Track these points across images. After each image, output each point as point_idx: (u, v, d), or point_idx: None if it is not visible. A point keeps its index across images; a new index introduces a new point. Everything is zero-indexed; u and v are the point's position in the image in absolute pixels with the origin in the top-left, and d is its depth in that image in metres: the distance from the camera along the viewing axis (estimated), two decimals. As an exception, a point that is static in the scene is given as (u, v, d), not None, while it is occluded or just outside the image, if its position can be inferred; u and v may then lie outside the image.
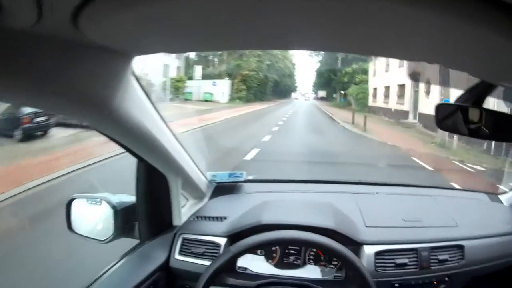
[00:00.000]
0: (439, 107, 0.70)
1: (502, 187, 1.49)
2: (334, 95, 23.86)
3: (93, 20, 0.34)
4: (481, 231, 1.10)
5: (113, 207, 0.97)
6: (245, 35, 0.40)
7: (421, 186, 1.54)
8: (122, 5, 0.30)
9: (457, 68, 0.47)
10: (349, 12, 0.28)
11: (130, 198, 0.98)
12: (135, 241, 1.00)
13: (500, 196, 1.44)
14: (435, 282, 0.96)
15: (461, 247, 1.02)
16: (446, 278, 0.97)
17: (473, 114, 0.65)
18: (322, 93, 34.37)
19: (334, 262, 0.94)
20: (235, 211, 1.02)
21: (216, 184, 1.24)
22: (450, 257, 0.99)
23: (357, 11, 0.28)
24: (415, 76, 10.81)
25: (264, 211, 0.97)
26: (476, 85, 0.63)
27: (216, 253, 0.91)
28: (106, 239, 0.99)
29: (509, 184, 1.44)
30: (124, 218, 0.97)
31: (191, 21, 0.34)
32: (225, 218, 1.00)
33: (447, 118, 0.70)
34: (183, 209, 1.12)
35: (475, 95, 0.63)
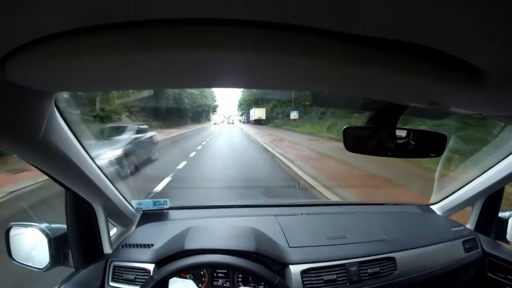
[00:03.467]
0: (346, 131, 0.73)
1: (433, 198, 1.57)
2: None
3: (19, 67, 0.36)
4: (413, 242, 1.15)
5: (47, 235, 0.98)
6: (167, 78, 0.43)
7: (346, 204, 1.59)
8: (48, 57, 0.32)
9: (370, 96, 0.52)
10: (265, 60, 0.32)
11: (62, 226, 0.99)
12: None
13: (432, 207, 1.53)
14: None
15: (392, 259, 1.06)
16: None
17: (400, 133, 0.71)
18: (259, 113, 30.16)
19: (263, 283, 0.94)
20: (161, 238, 1.04)
21: (142, 211, 1.27)
22: (381, 270, 1.02)
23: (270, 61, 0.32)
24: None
25: (188, 237, 0.99)
26: (386, 107, 0.67)
27: (146, 279, 0.91)
28: (44, 267, 0.99)
29: (440, 194, 1.53)
30: (58, 247, 0.98)
31: (108, 66, 0.35)
32: (152, 245, 1.01)
33: (355, 139, 0.73)
34: (113, 236, 1.14)
35: (387, 117, 0.67)
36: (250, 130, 22.18)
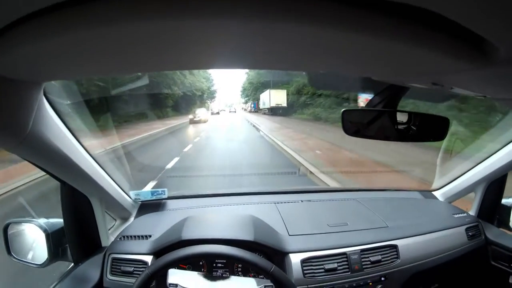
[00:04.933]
0: (345, 114, 0.70)
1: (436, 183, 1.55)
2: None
3: (2, 55, 0.34)
4: (415, 229, 1.13)
5: (45, 230, 0.98)
6: (163, 57, 0.39)
7: (347, 190, 1.56)
8: (33, 39, 0.30)
9: (370, 75, 0.50)
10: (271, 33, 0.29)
11: (60, 220, 0.98)
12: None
13: (434, 193, 1.51)
14: (370, 283, 0.97)
15: (394, 247, 1.04)
16: (383, 278, 0.98)
17: (401, 116, 0.67)
18: (278, 97, 21.92)
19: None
20: (159, 228, 1.03)
21: (140, 202, 1.25)
22: (383, 258, 1.01)
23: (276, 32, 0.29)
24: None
25: (185, 227, 0.97)
26: (386, 89, 0.65)
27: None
28: (42, 263, 0.99)
29: (442, 179, 1.51)
30: (56, 241, 0.98)
31: (101, 48, 0.33)
32: (149, 236, 1.00)
33: (354, 123, 0.71)
34: (112, 228, 1.14)
35: (387, 99, 0.65)
36: (269, 126, 13.33)
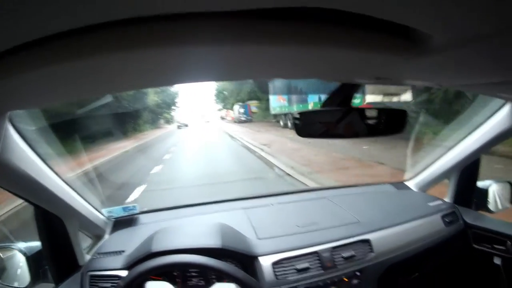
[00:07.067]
0: (300, 116, 0.68)
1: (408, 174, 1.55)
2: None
3: None
4: (389, 221, 1.13)
5: (24, 254, 0.98)
6: (125, 78, 0.40)
7: (318, 189, 1.57)
8: None
9: (317, 78, 0.51)
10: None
11: (38, 243, 0.99)
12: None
13: (407, 183, 1.52)
14: (345, 279, 0.97)
15: (367, 241, 1.05)
16: (358, 273, 0.99)
17: (357, 113, 0.67)
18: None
19: None
20: (131, 243, 1.03)
21: (114, 219, 1.26)
22: (356, 253, 1.01)
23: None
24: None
25: (155, 240, 0.98)
26: (338, 88, 0.65)
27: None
28: (25, 286, 0.99)
29: (414, 169, 1.53)
30: (36, 264, 0.98)
31: (64, 80, 0.34)
32: (123, 251, 1.01)
33: (309, 124, 0.69)
34: (88, 247, 1.14)
35: (340, 98, 0.65)
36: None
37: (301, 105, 11.99)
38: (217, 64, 0.38)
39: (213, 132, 15.04)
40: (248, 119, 20.92)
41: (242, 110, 21.56)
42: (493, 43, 0.30)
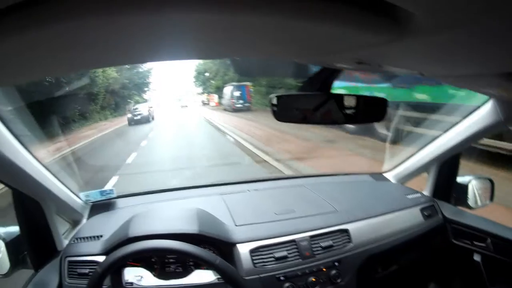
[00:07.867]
0: (277, 99, 0.66)
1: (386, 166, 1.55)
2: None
3: None
4: (367, 212, 1.13)
5: (3, 239, 0.96)
6: (107, 53, 0.38)
7: (295, 177, 1.56)
8: None
9: (300, 60, 0.50)
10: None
11: (16, 228, 0.97)
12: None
13: (385, 175, 1.52)
14: (324, 269, 0.97)
15: (345, 231, 1.05)
16: (336, 263, 0.98)
17: (336, 99, 0.66)
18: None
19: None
20: (109, 228, 1.02)
21: (91, 203, 1.25)
22: (335, 243, 1.01)
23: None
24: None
25: (132, 225, 0.96)
26: (318, 72, 0.64)
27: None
28: (6, 273, 0.97)
29: (393, 161, 1.53)
30: (15, 249, 0.96)
31: (37, 52, 0.31)
32: (101, 236, 0.99)
33: (287, 108, 0.67)
34: (67, 232, 1.13)
35: (319, 82, 0.64)
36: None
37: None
38: (187, 38, 0.35)
39: (193, 126, 11.44)
40: (245, 106, 15.48)
41: (238, 93, 15.49)
42: (477, 31, 0.30)
